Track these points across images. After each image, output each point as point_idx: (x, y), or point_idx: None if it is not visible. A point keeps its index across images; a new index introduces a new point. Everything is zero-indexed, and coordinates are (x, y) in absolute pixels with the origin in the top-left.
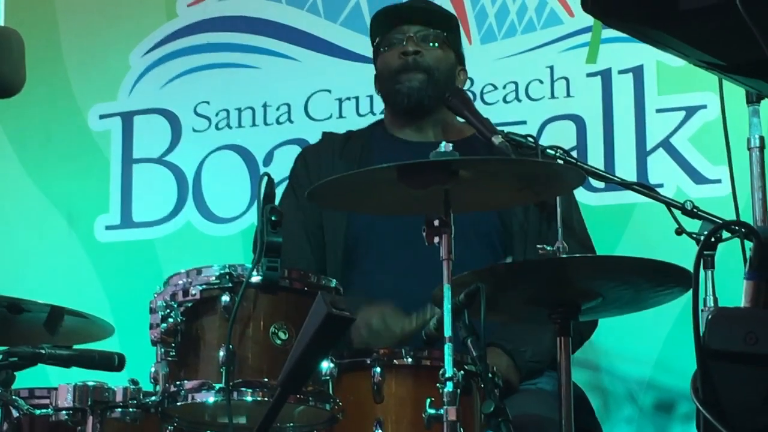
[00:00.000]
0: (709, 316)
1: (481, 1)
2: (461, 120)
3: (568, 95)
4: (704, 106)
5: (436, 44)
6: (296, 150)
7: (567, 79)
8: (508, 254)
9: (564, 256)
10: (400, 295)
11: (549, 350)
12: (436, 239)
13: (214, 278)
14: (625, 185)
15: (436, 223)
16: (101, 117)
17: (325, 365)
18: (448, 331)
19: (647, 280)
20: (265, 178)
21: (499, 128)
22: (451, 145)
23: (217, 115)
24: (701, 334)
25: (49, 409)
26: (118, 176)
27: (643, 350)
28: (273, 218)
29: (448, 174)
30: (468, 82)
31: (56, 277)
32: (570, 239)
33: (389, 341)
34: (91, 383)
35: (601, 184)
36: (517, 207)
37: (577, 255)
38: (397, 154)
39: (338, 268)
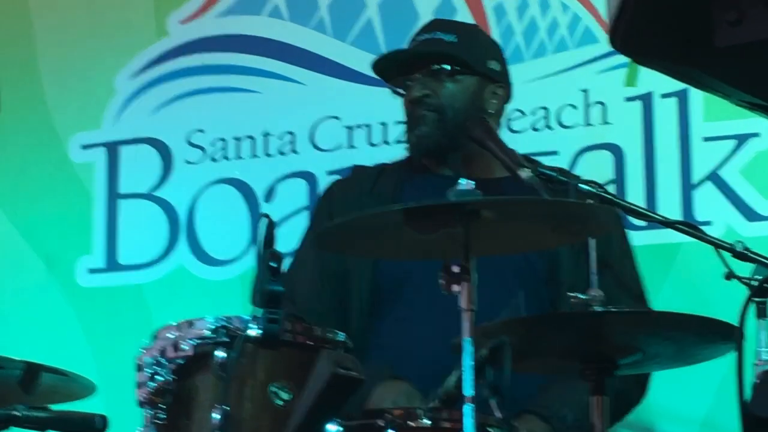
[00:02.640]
0: (756, 381)
1: (507, 18)
2: None
3: (605, 122)
4: (757, 134)
5: (447, 80)
6: (301, 184)
7: (603, 104)
8: (554, 304)
9: (597, 307)
10: (435, 346)
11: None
12: (455, 288)
13: (207, 332)
14: (668, 224)
15: (456, 269)
16: (83, 147)
17: (332, 428)
18: (469, 390)
19: (691, 336)
20: (265, 221)
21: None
22: (473, 182)
23: (212, 145)
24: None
25: None
26: (103, 213)
27: (689, 407)
28: (273, 265)
29: (466, 215)
30: None
31: (33, 326)
32: (621, 293)
33: None
34: None
35: (641, 222)
36: (565, 250)
37: (612, 308)
38: (430, 191)
39: (364, 317)
